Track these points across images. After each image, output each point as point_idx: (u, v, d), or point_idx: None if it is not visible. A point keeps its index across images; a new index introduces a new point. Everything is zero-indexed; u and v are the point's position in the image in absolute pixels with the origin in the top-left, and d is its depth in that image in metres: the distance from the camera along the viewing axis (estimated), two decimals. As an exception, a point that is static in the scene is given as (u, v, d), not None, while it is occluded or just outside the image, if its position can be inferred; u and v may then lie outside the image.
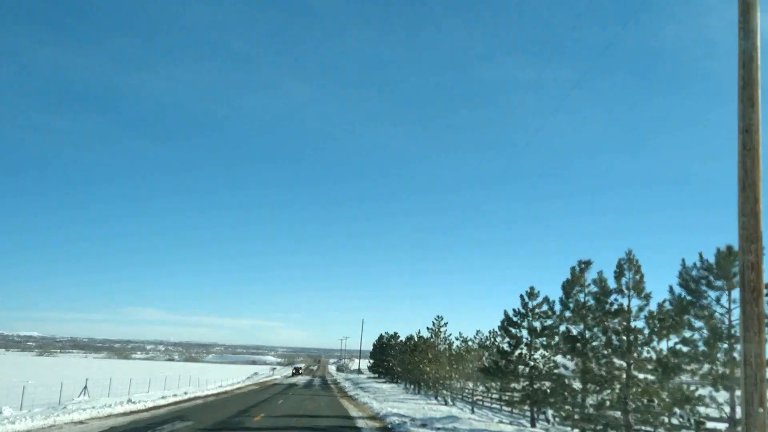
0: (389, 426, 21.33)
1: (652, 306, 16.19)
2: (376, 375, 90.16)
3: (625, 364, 16.10)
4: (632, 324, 15.99)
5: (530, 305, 22.36)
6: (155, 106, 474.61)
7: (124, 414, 22.66)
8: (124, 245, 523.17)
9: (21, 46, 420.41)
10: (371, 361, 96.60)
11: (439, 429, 19.74)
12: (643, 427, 16.42)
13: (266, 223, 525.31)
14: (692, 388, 14.90)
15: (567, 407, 18.54)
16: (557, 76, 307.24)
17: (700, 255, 15.39)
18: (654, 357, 15.49)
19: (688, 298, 15.47)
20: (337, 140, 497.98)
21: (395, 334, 75.41)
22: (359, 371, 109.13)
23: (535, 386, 21.13)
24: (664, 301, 16.07)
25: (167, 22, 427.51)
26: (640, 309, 16.11)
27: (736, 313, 14.22)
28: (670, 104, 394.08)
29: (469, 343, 51.53)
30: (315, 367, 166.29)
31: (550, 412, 22.25)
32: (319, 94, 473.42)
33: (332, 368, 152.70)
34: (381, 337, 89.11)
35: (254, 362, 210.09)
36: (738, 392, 13.00)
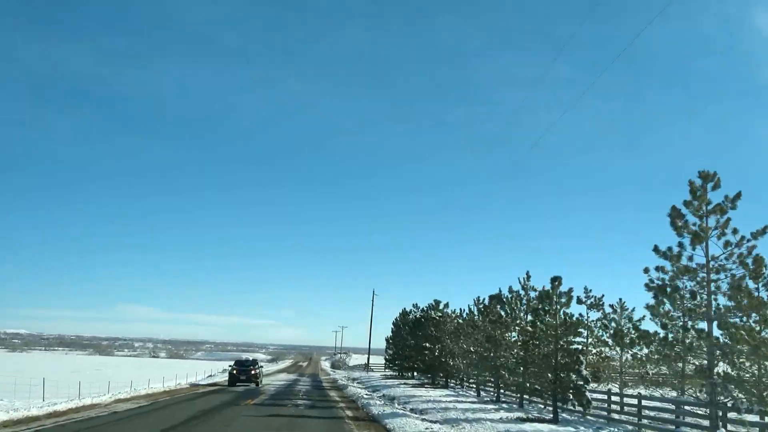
0: None
1: None
2: (397, 373, 62.14)
3: None
4: None
5: None
6: (147, 103, 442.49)
7: None
8: (115, 242, 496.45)
9: (11, 40, 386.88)
10: (388, 353, 68.45)
11: None
12: None
13: (257, 220, 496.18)
14: None
15: None
16: (556, 73, 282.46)
17: None
18: None
19: None
20: (331, 137, 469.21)
21: (437, 302, 45.72)
22: (368, 368, 79.73)
23: None
24: None
25: (160, 17, 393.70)
26: None
27: None
28: (666, 102, 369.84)
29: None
30: (305, 364, 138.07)
31: None
32: (314, 90, 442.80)
33: (326, 364, 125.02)
34: (406, 312, 59.55)
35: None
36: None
